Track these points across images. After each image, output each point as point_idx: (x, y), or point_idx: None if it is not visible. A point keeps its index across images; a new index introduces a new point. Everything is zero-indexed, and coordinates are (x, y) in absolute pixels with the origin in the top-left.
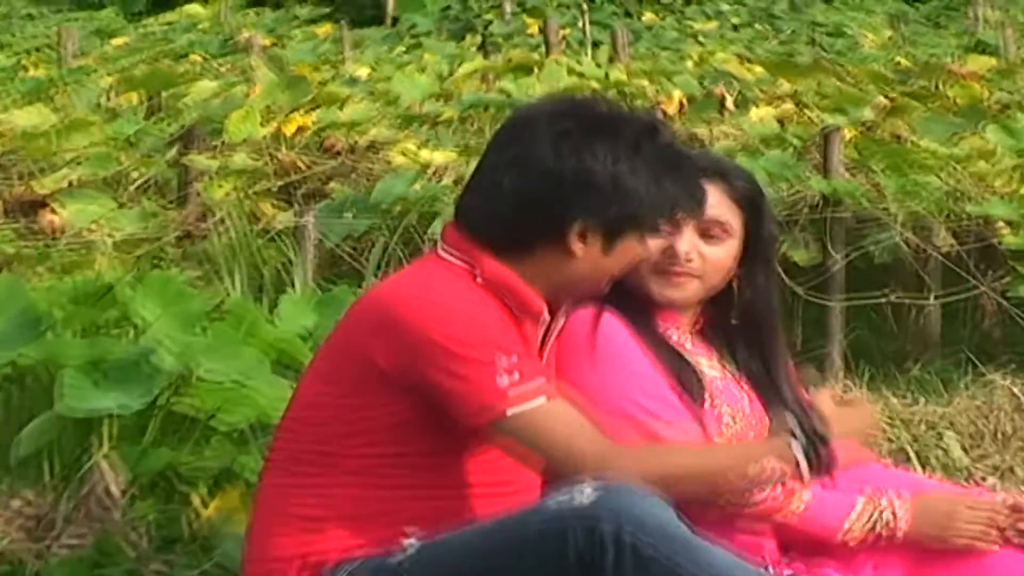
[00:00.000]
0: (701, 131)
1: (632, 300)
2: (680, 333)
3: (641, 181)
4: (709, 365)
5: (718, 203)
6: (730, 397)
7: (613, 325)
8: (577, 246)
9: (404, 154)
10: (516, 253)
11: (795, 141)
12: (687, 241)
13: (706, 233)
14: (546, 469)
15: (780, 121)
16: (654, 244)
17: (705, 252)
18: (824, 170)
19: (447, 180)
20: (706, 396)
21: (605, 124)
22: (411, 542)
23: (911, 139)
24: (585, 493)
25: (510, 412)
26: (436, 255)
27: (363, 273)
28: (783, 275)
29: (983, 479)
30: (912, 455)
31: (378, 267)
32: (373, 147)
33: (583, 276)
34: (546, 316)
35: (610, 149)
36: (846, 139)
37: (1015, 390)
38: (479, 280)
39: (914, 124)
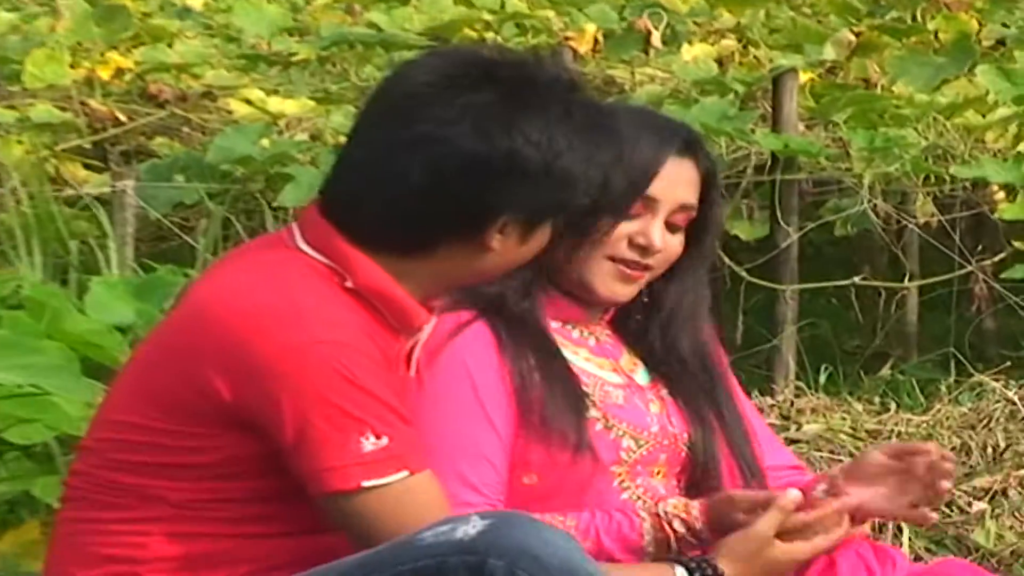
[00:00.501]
0: (620, 74)
1: (528, 291)
2: (583, 328)
3: (577, 159)
4: (613, 368)
5: (689, 182)
6: (633, 414)
7: (464, 348)
8: (495, 241)
9: (248, 103)
10: (410, 254)
11: (738, 87)
12: (658, 230)
13: (670, 221)
14: None
15: (719, 61)
16: (619, 232)
17: (666, 241)
18: (774, 123)
19: (300, 136)
20: (598, 417)
21: (526, 90)
22: None
23: (883, 84)
24: (471, 523)
25: (364, 484)
26: (290, 247)
27: (196, 251)
28: (722, 253)
29: (968, 505)
30: None
31: (214, 244)
32: (209, 95)
33: (488, 270)
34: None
35: (542, 124)
36: (802, 84)
37: (1010, 395)
38: (348, 285)
39: (887, 65)
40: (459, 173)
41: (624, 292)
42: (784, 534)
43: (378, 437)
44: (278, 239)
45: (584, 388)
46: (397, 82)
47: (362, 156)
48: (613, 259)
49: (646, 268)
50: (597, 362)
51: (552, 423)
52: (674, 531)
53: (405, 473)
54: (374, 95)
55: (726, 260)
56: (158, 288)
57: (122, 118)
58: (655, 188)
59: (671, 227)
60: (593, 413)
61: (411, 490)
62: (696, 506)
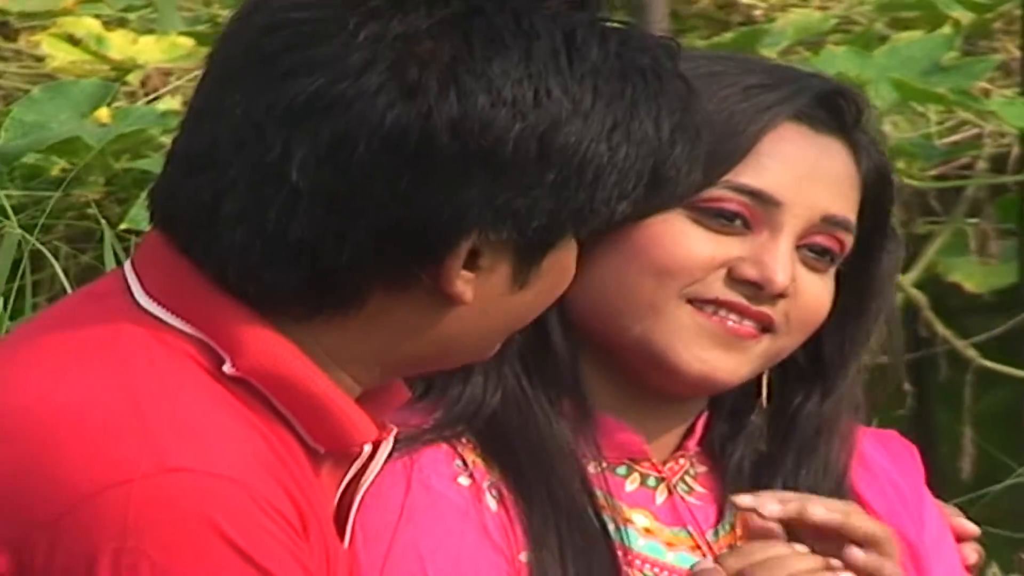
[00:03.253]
0: None
1: (572, 387)
2: (645, 470)
3: (593, 128)
4: (695, 546)
5: (839, 180)
6: None
7: (422, 525)
8: (459, 283)
9: (74, 43)
10: (320, 312)
11: (961, 12)
12: (784, 256)
13: (807, 243)
14: None
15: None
16: (703, 250)
17: (802, 283)
18: None
19: (171, 102)
20: None
21: (495, 5)
22: None
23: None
24: None
25: None
26: (124, 303)
27: None
28: (930, 315)
29: None
30: None
31: (9, 297)
32: (5, 26)
33: (465, 339)
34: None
35: (528, 69)
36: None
37: None
38: (227, 371)
39: None
40: (378, 163)
41: (726, 365)
42: None
43: None
44: (108, 289)
45: None
46: (259, 7)
47: (210, 143)
48: (705, 301)
49: (763, 321)
50: (667, 535)
51: None
52: None
53: None
54: (224, 34)
55: (938, 329)
56: None
57: None
58: (774, 182)
59: (807, 262)
60: None
61: None
62: None
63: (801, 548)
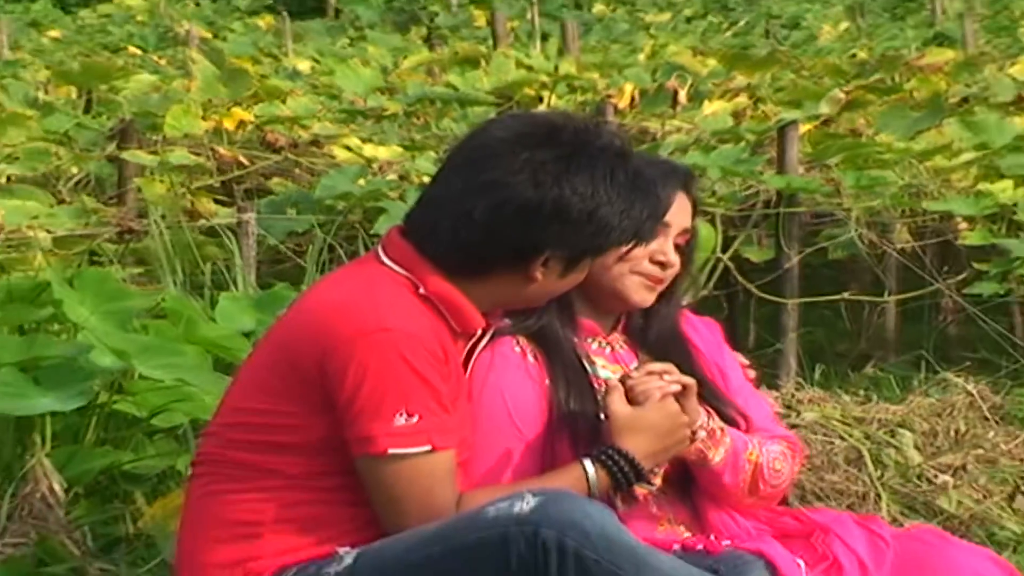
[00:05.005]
0: (653, 126)
1: (563, 310)
2: (602, 340)
3: (615, 212)
4: (624, 373)
5: (686, 213)
6: (667, 442)
7: (500, 358)
8: (538, 273)
9: (348, 149)
10: (470, 275)
11: (750, 136)
12: (671, 249)
13: (676, 241)
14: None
15: (734, 115)
16: (643, 252)
17: (674, 258)
18: (779, 166)
19: (391, 176)
20: (603, 415)
21: (580, 152)
22: (346, 550)
23: (868, 134)
24: (526, 499)
25: (391, 451)
26: (377, 261)
27: (305, 271)
28: (736, 273)
29: (935, 477)
30: (865, 453)
31: (320, 265)
32: (316, 142)
33: (532, 297)
34: (479, 332)
35: (588, 181)
36: (802, 134)
37: (970, 388)
38: (420, 293)
39: (872, 119)
40: (514, 214)
41: (649, 299)
42: (634, 403)
43: (410, 415)
44: (367, 257)
45: (600, 394)
46: (477, 135)
47: (440, 193)
48: (640, 273)
49: (663, 280)
50: (612, 368)
51: (572, 427)
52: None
53: (428, 448)
54: (458, 144)
55: (740, 279)
56: (275, 302)
57: (244, 161)
58: (668, 215)
59: (676, 247)
60: (603, 415)
61: (429, 464)
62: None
63: (658, 367)
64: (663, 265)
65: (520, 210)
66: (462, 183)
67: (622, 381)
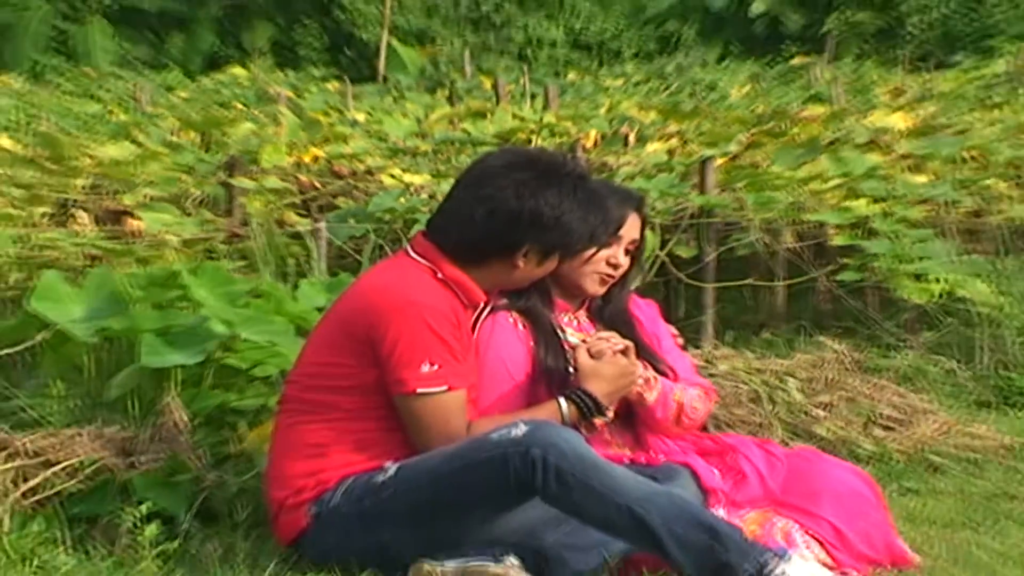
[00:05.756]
0: (611, 160)
1: (543, 293)
2: (571, 315)
3: (575, 218)
4: (609, 348)
5: (636, 227)
6: (616, 385)
7: (498, 325)
8: (520, 262)
9: (392, 177)
10: (473, 263)
11: (679, 168)
12: (623, 254)
13: (627, 248)
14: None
15: (668, 153)
16: (601, 256)
17: (624, 260)
18: (701, 189)
19: (423, 196)
20: (572, 368)
21: (551, 175)
22: (390, 464)
23: (765, 166)
24: (519, 427)
25: (418, 391)
26: (406, 255)
27: (361, 264)
28: (672, 266)
29: (812, 412)
30: (762, 394)
31: (371, 260)
32: (369, 172)
33: (518, 280)
34: (482, 306)
35: (556, 195)
36: (717, 166)
37: (837, 348)
38: (439, 276)
39: (767, 155)
40: (502, 219)
41: (601, 290)
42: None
43: (432, 364)
44: (400, 254)
45: (569, 353)
46: (478, 163)
47: (451, 205)
48: (597, 272)
49: (614, 277)
50: (578, 336)
51: (550, 376)
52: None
53: (445, 388)
54: (466, 170)
55: (673, 270)
56: (339, 286)
57: (318, 185)
58: (623, 229)
59: (626, 251)
60: (572, 369)
61: (446, 400)
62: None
63: (606, 335)
64: (615, 267)
65: (506, 216)
66: (466, 197)
67: (584, 343)
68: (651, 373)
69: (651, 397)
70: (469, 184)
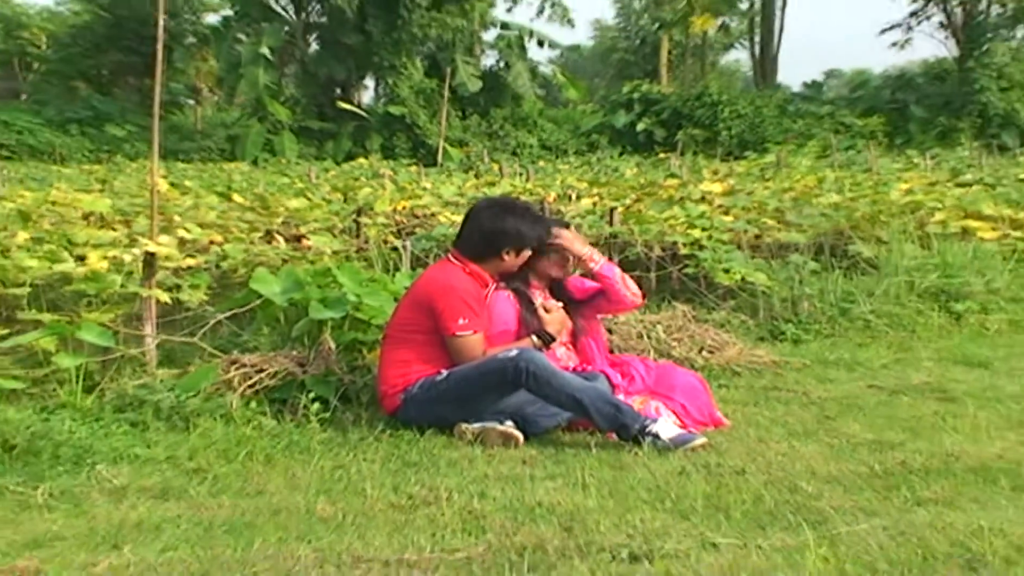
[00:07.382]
0: (562, 207)
1: (524, 279)
2: (540, 294)
3: (526, 229)
4: (556, 308)
5: (571, 241)
6: (559, 328)
7: (499, 297)
8: (506, 257)
9: (444, 217)
10: (481, 261)
11: (599, 212)
12: (570, 261)
13: (566, 257)
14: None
15: (593, 204)
16: (561, 259)
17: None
18: (611, 223)
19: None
20: (538, 319)
21: (516, 210)
22: (444, 371)
23: (645, 211)
24: (512, 352)
25: (457, 334)
26: (448, 259)
27: (427, 264)
28: None
29: (670, 343)
30: (644, 334)
31: (433, 261)
32: (433, 214)
33: (507, 268)
34: (491, 285)
35: (521, 220)
36: (620, 211)
37: (683, 308)
38: (466, 271)
39: (647, 205)
40: (492, 232)
41: (561, 276)
42: (548, 312)
43: (464, 318)
44: (445, 258)
45: (539, 311)
46: (484, 205)
47: (463, 230)
48: (562, 267)
49: (569, 273)
50: (545, 305)
51: (528, 325)
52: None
53: (471, 332)
54: (474, 208)
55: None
56: (415, 276)
57: (404, 221)
58: (565, 243)
59: (565, 258)
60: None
61: (472, 339)
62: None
63: (552, 303)
64: (565, 261)
65: (496, 232)
66: (472, 223)
67: (543, 305)
68: (595, 251)
69: (600, 262)
70: (473, 216)
